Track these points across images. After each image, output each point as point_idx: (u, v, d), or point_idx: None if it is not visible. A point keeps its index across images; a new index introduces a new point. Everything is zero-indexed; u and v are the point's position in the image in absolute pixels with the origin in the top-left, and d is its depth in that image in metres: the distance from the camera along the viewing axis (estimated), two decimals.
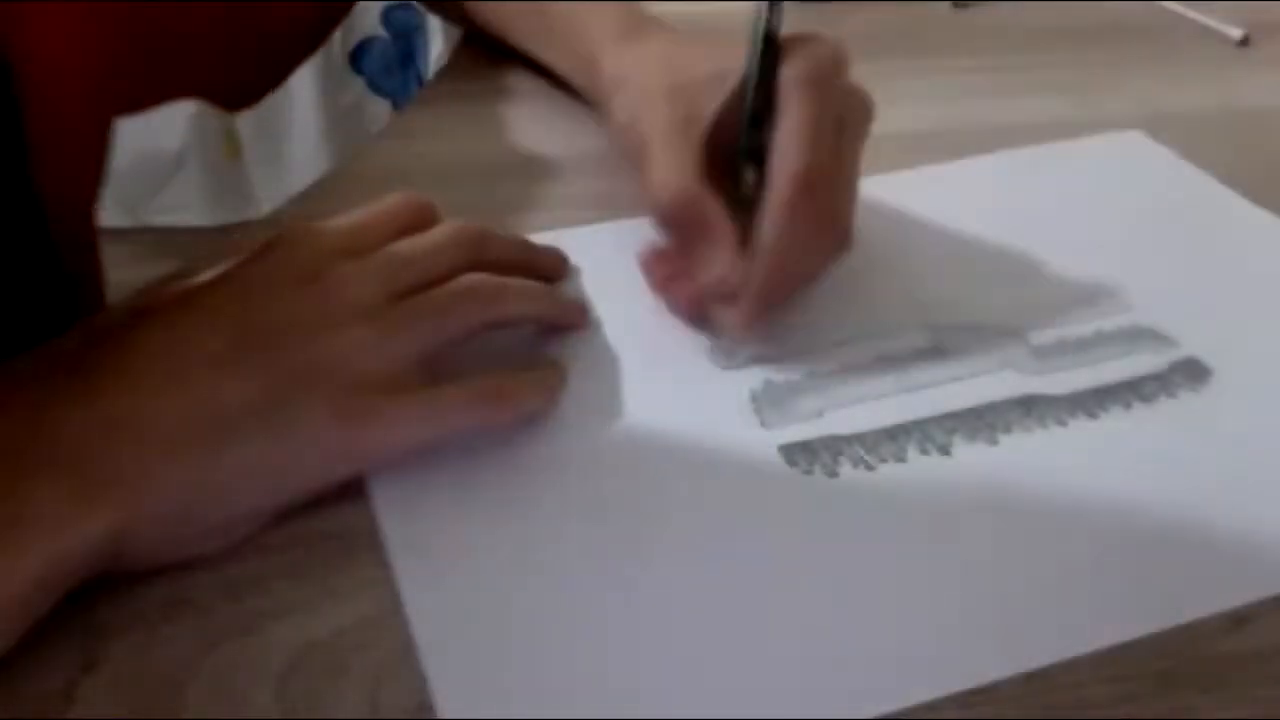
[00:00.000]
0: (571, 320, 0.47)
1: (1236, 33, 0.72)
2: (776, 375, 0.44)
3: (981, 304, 0.48)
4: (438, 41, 1.27)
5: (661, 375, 0.44)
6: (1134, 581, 0.37)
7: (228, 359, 0.37)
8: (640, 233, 0.49)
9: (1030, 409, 0.43)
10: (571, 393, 0.43)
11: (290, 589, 0.36)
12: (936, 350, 0.45)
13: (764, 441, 0.41)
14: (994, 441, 0.41)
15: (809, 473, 0.40)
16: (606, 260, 0.50)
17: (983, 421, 0.42)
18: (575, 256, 0.50)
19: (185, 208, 1.34)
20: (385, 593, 0.36)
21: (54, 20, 0.39)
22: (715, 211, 0.45)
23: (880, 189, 0.52)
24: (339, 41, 1.30)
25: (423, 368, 0.40)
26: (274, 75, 0.55)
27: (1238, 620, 0.36)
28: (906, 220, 0.53)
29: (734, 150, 0.46)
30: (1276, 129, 0.63)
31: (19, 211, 0.40)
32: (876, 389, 0.44)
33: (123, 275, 0.45)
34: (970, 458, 0.41)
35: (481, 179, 0.57)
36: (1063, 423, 0.42)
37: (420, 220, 0.44)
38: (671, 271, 0.47)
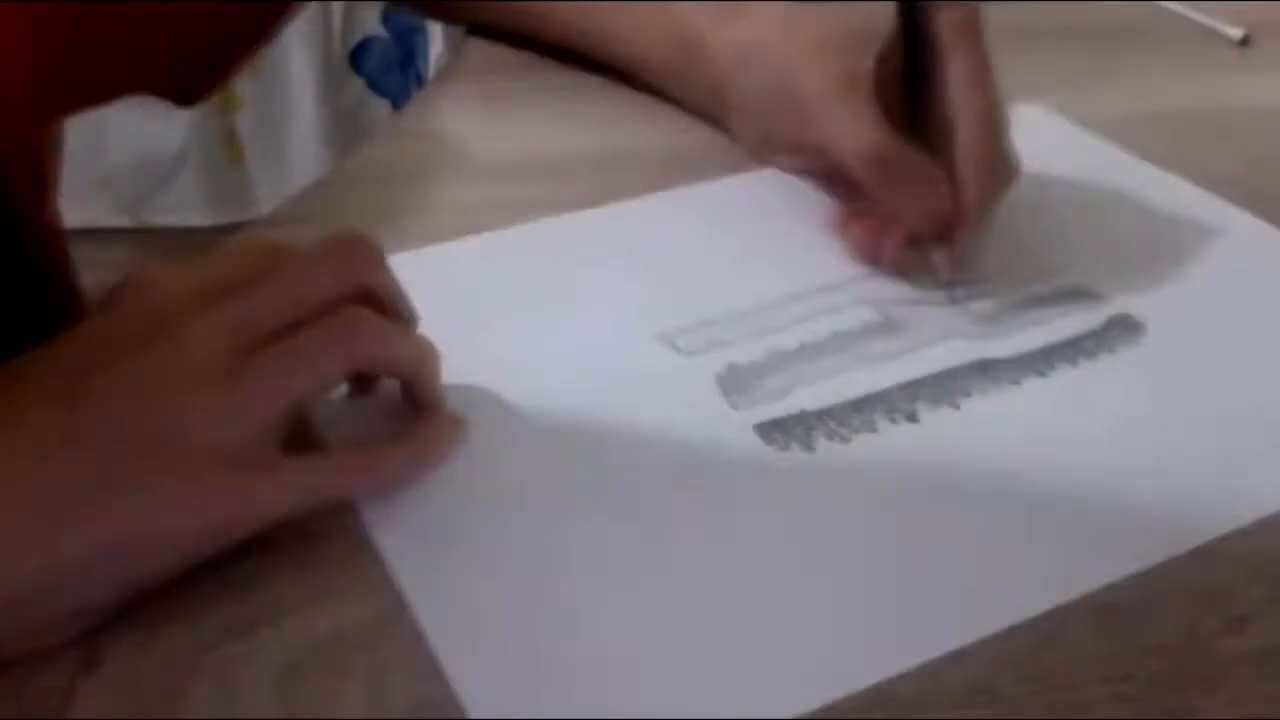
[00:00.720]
0: (432, 366, 0.40)
1: (1236, 33, 0.72)
2: (739, 358, 0.45)
3: (916, 276, 0.49)
4: (438, 41, 1.27)
5: (626, 368, 0.45)
6: (1107, 526, 0.38)
7: (53, 441, 0.34)
8: (564, 228, 0.51)
9: (986, 371, 0.44)
10: (539, 386, 0.44)
11: (290, 589, 0.36)
12: (886, 324, 0.47)
13: (738, 423, 0.42)
14: (956, 406, 0.43)
15: (786, 449, 0.41)
16: (556, 257, 0.51)
17: (942, 387, 0.44)
18: (513, 256, 0.51)
19: (185, 208, 1.34)
20: (385, 593, 0.36)
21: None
22: (917, 156, 0.47)
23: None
24: (339, 42, 1.30)
25: (280, 428, 0.36)
26: (223, 69, 0.54)
27: (1238, 620, 0.36)
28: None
29: (893, 102, 0.48)
30: (1277, 129, 0.63)
31: None
32: (837, 364, 0.45)
33: (122, 275, 0.45)
34: (936, 422, 0.42)
35: (481, 179, 0.57)
36: (1016, 382, 0.44)
37: (275, 258, 0.38)
38: (871, 226, 0.49)
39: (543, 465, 0.41)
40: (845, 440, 0.41)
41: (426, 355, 0.40)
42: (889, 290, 0.49)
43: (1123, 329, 0.47)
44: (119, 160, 1.29)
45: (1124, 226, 0.53)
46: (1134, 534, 0.38)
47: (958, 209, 0.47)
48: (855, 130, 0.47)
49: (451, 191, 0.55)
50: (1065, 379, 0.44)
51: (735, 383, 0.44)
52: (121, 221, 1.32)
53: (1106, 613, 0.36)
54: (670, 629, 0.35)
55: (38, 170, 0.42)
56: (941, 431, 0.42)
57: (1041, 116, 0.62)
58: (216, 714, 0.33)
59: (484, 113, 0.63)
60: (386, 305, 0.39)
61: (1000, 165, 0.48)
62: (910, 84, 0.48)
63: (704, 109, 0.58)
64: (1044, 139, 0.59)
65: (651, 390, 0.44)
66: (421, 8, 0.72)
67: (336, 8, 1.29)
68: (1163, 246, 0.52)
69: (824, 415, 0.42)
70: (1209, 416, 0.43)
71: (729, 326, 0.47)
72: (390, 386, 0.41)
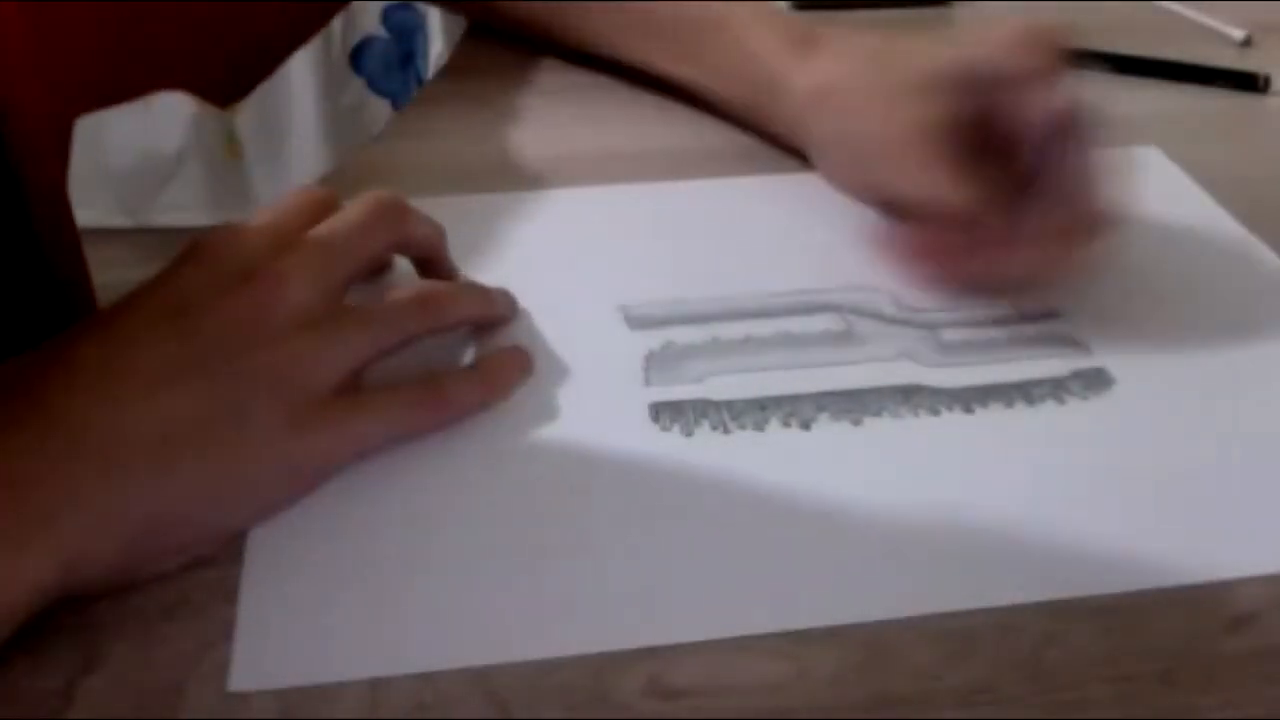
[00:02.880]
0: (507, 314, 0.47)
1: (1238, 33, 0.72)
2: (680, 338, 0.46)
3: (908, 299, 0.49)
4: (438, 41, 1.27)
5: (572, 334, 0.46)
6: (938, 563, 0.37)
7: (168, 373, 0.36)
8: (564, 200, 0.53)
9: (909, 397, 0.44)
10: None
11: None
12: (845, 334, 0.47)
13: (640, 398, 0.43)
14: (858, 422, 0.42)
15: (667, 430, 0.42)
16: (546, 224, 0.52)
17: (854, 403, 0.43)
18: (509, 219, 0.52)
19: (185, 208, 1.34)
20: None
21: (29, 20, 0.38)
22: (983, 210, 0.46)
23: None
24: (339, 41, 1.30)
25: (360, 375, 0.40)
26: (263, 68, 0.55)
27: (1238, 620, 0.36)
28: (841, 210, 0.54)
29: (969, 145, 0.47)
30: (1277, 130, 0.63)
31: (5, 216, 0.40)
32: (763, 362, 0.45)
33: (123, 275, 0.45)
34: (828, 435, 0.42)
35: (481, 179, 0.57)
36: (936, 412, 0.43)
37: (329, 208, 0.43)
38: (944, 252, 0.48)
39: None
40: (726, 432, 0.42)
41: (482, 302, 0.45)
42: (866, 303, 0.48)
43: (1086, 382, 0.44)
44: (119, 160, 1.29)
45: (1146, 284, 0.50)
46: (962, 574, 0.37)
47: (1020, 265, 0.46)
48: (948, 179, 0.47)
49: (451, 192, 0.55)
50: (990, 418, 0.43)
51: (660, 361, 0.45)
52: (121, 221, 1.32)
53: (1107, 613, 0.36)
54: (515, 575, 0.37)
55: (65, 170, 0.42)
56: (829, 444, 0.41)
57: (1154, 160, 0.59)
58: (216, 714, 0.33)
59: (484, 113, 0.63)
60: (429, 253, 0.45)
61: (1086, 228, 0.46)
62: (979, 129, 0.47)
63: (790, 144, 0.57)
64: (1149, 184, 0.52)
65: (584, 358, 0.45)
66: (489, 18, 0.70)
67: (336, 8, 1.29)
68: (1175, 312, 0.48)
69: (721, 406, 0.43)
70: (1111, 486, 0.40)
71: (690, 309, 0.47)
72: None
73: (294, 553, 0.37)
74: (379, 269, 0.46)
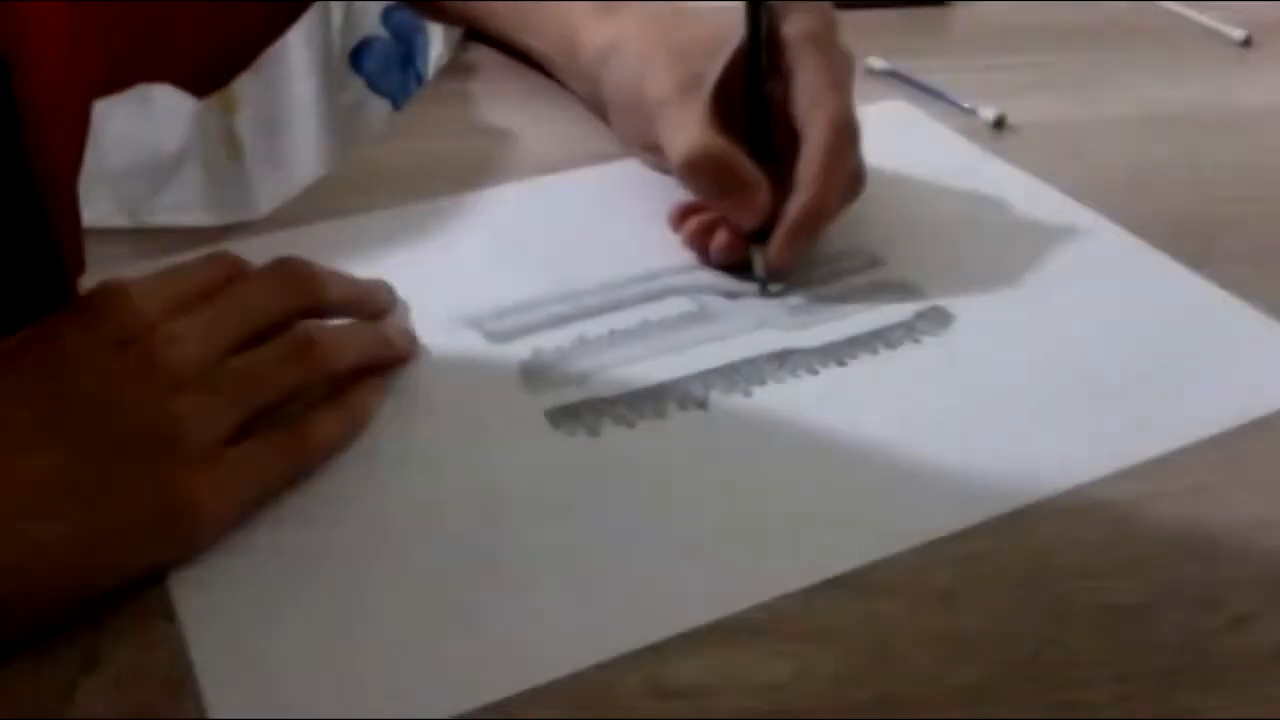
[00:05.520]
0: (404, 355, 0.45)
1: (1238, 33, 0.72)
2: (547, 344, 0.46)
3: (744, 269, 0.50)
4: (438, 41, 1.27)
5: (434, 355, 0.45)
6: (873, 508, 0.39)
7: (33, 432, 0.35)
8: (376, 223, 0.52)
9: (784, 361, 0.45)
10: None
11: None
12: (700, 314, 0.48)
13: (532, 408, 0.43)
14: (748, 393, 0.44)
15: (573, 434, 0.42)
16: (372, 249, 0.51)
17: (738, 375, 0.44)
18: (334, 247, 0.50)
19: (185, 208, 1.34)
20: None
21: (45, 13, 0.38)
22: (742, 160, 0.48)
23: None
24: (339, 41, 1.30)
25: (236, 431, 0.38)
26: (243, 61, 0.55)
27: (1238, 620, 0.36)
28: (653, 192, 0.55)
29: (737, 106, 0.49)
30: (1277, 129, 0.63)
31: (16, 198, 0.40)
32: (640, 351, 0.45)
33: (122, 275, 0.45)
34: (725, 409, 0.43)
35: (481, 179, 0.57)
36: (814, 371, 0.45)
37: (233, 273, 0.41)
38: (703, 222, 0.50)
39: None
40: (631, 425, 0.42)
41: (375, 344, 0.44)
42: (707, 281, 0.49)
43: (931, 320, 0.47)
44: (119, 160, 1.29)
45: (953, 223, 0.54)
46: (888, 518, 0.39)
47: (784, 212, 0.47)
48: (682, 133, 0.48)
49: (451, 192, 0.55)
50: (863, 368, 0.45)
51: (536, 369, 0.45)
52: (121, 221, 1.32)
53: (1106, 613, 0.36)
54: (428, 625, 0.35)
55: (72, 151, 0.42)
56: (729, 418, 0.43)
57: (905, 112, 0.63)
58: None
59: (484, 112, 0.63)
60: (357, 314, 0.44)
61: (844, 176, 0.48)
62: (752, 88, 0.49)
63: (589, 102, 0.60)
64: (903, 135, 0.61)
65: (456, 377, 0.44)
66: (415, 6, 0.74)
67: (336, 7, 1.29)
68: (987, 244, 0.52)
69: (615, 401, 0.43)
70: (1002, 398, 0.44)
71: (540, 313, 0.47)
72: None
73: (226, 585, 0.36)
74: (375, 317, 0.45)
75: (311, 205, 0.55)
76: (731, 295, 0.49)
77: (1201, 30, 0.73)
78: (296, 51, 1.27)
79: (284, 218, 0.54)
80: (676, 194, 0.51)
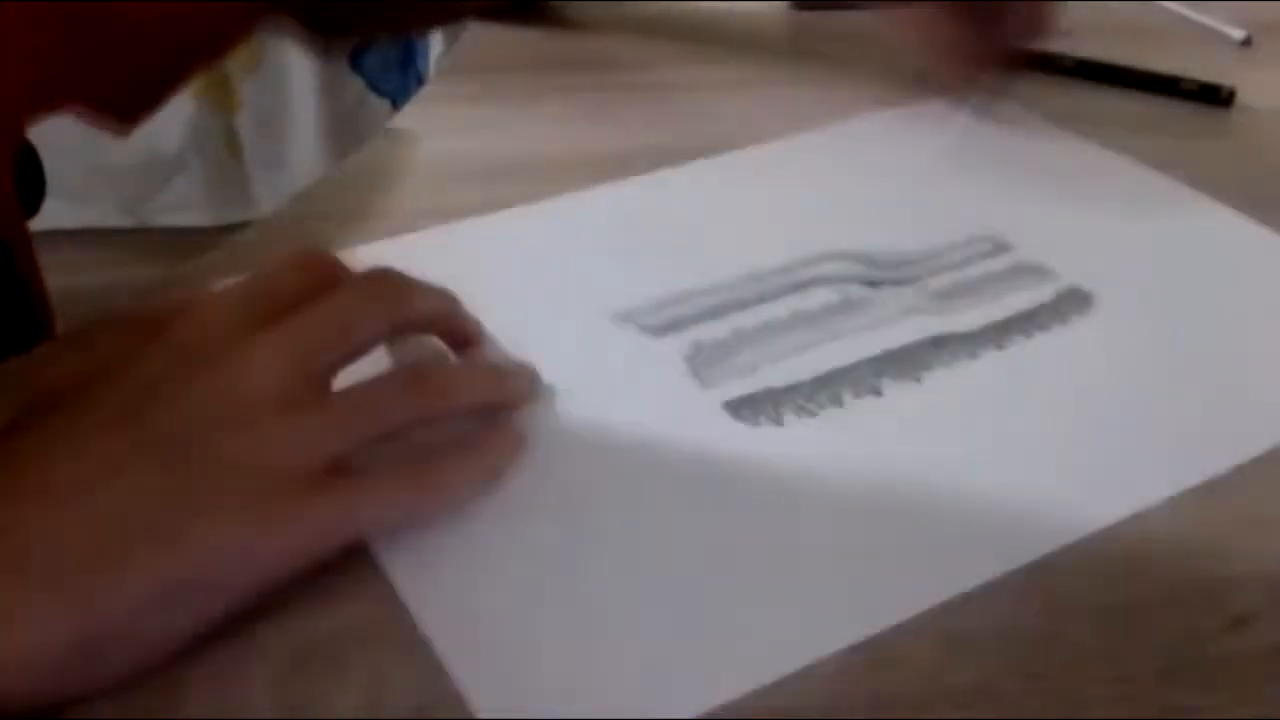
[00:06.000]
0: (522, 397, 0.42)
1: (1238, 33, 0.72)
2: (704, 337, 0.46)
3: (880, 258, 0.51)
4: (438, 41, 1.27)
5: (594, 353, 0.45)
6: (1062, 491, 0.40)
7: (113, 465, 0.33)
8: (509, 222, 0.52)
9: (943, 346, 0.46)
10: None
11: (290, 588, 0.36)
12: (844, 304, 0.48)
13: (707, 401, 0.43)
14: (918, 379, 0.44)
15: (756, 425, 0.42)
16: (509, 248, 0.51)
17: (905, 362, 0.45)
18: (468, 249, 0.51)
19: (185, 208, 1.34)
20: (385, 592, 0.36)
21: None
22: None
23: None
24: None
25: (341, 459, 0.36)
26: (169, 86, 0.50)
27: (1238, 620, 0.36)
28: (801, 184, 0.57)
29: None
30: (1277, 129, 0.63)
31: None
32: (801, 342, 0.46)
33: (123, 275, 0.45)
34: (900, 396, 0.43)
35: (482, 179, 0.57)
36: (974, 355, 0.45)
37: (326, 279, 0.38)
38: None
39: (524, 460, 0.40)
40: (812, 414, 0.42)
41: (496, 383, 0.42)
42: (846, 273, 0.49)
43: (1073, 302, 0.48)
44: (119, 160, 1.29)
45: (1076, 208, 0.55)
46: (1095, 494, 0.39)
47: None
48: None
49: (451, 192, 0.55)
50: (1021, 350, 0.46)
51: (704, 361, 0.44)
52: (121, 221, 1.32)
53: (1106, 613, 0.36)
54: (670, 622, 0.35)
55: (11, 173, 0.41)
56: (904, 404, 0.43)
57: (1010, 111, 0.63)
58: (216, 714, 0.33)
59: (483, 113, 0.63)
60: (440, 329, 0.42)
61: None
62: None
63: None
64: (1012, 133, 0.62)
65: (622, 373, 0.44)
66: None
67: None
68: (1111, 226, 0.54)
69: (790, 391, 0.43)
70: (1160, 379, 0.45)
71: (692, 305, 0.47)
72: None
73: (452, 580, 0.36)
74: (462, 338, 0.44)
75: (311, 205, 0.55)
76: (873, 284, 0.49)
77: (1201, 30, 0.73)
78: (296, 52, 1.27)
79: (284, 217, 0.54)
80: (774, 189, 0.53)
